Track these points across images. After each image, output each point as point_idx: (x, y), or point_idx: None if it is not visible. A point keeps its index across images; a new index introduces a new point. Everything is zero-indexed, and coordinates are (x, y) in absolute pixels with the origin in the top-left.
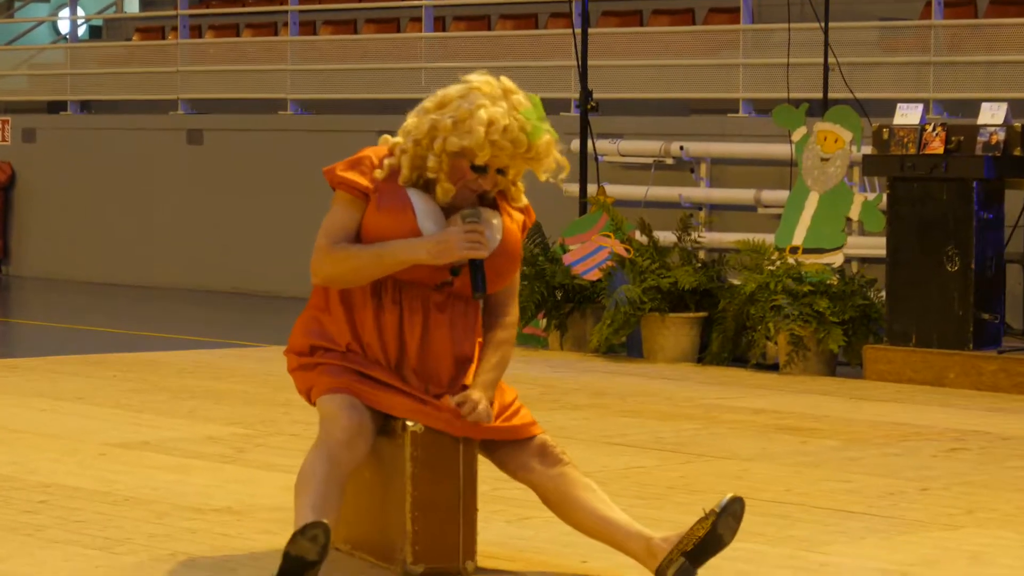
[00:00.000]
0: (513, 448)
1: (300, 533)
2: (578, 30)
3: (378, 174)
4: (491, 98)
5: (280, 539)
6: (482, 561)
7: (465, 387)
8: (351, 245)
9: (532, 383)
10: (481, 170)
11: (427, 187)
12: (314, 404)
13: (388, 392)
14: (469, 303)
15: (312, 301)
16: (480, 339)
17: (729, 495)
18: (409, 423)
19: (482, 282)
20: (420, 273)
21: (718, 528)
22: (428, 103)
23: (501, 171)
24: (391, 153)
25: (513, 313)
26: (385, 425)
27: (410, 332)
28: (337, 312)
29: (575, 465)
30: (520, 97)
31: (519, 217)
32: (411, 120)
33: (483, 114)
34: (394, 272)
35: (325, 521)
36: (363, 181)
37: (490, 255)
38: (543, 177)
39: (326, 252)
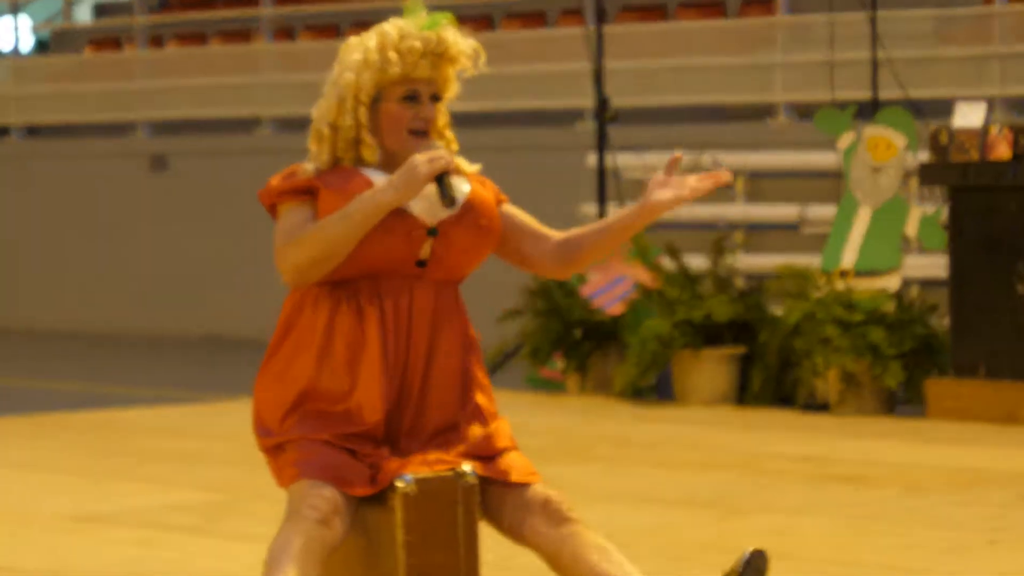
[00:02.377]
0: (514, 505)
1: None
2: (592, 28)
3: (302, 175)
4: (365, 37)
5: None
6: None
7: (477, 408)
8: (311, 224)
9: (548, 432)
10: (413, 98)
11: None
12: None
13: (369, 467)
14: (454, 293)
15: (270, 345)
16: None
17: (749, 549)
18: (399, 484)
19: (448, 190)
20: (397, 244)
21: None
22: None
23: (435, 97)
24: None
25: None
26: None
27: (394, 328)
28: (294, 342)
29: (586, 524)
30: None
31: (482, 183)
32: (316, 113)
33: (372, 42)
34: (368, 229)
35: None
36: (301, 181)
37: (462, 209)
38: (466, 66)
39: (289, 242)
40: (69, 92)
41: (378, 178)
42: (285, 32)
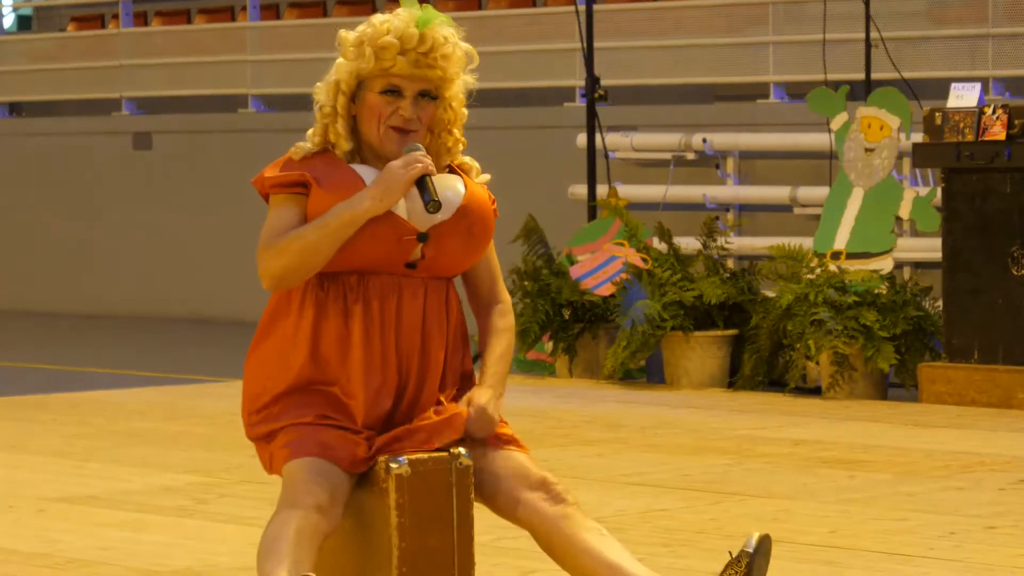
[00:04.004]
0: (509, 484)
1: None
2: (582, 7)
3: (295, 155)
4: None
5: None
6: None
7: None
8: (292, 231)
9: (538, 416)
10: (393, 92)
11: (363, 161)
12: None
13: (360, 437)
14: (444, 288)
15: (257, 331)
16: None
17: (757, 534)
18: (393, 466)
19: (431, 193)
20: (386, 248)
21: (753, 572)
22: None
23: (426, 94)
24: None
25: (506, 298)
26: (365, 470)
27: (380, 324)
28: (280, 335)
29: (580, 507)
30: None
31: (482, 188)
32: (315, 92)
33: (359, 28)
34: (347, 237)
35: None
36: (294, 174)
37: (456, 213)
38: (453, 72)
39: (267, 248)
40: (52, 70)
41: (370, 177)
42: (270, 10)
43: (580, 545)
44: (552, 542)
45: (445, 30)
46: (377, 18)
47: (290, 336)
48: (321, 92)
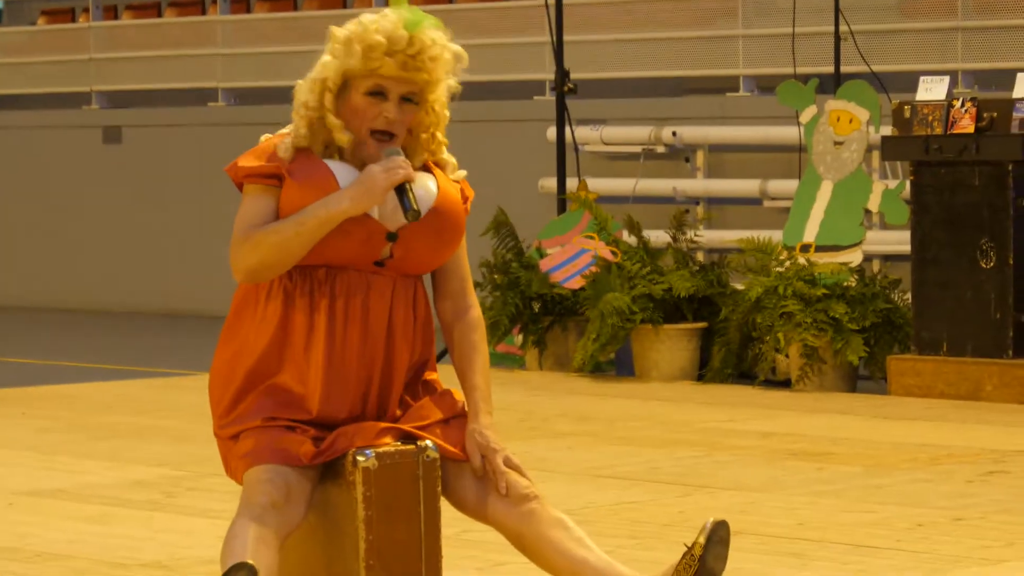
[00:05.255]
0: (472, 483)
1: None
2: (552, 0)
3: (282, 153)
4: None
5: None
6: None
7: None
8: (268, 224)
9: (507, 408)
10: (378, 94)
11: (341, 157)
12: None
13: (307, 436)
14: (412, 286)
15: (224, 326)
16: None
17: (711, 519)
18: (360, 458)
19: (411, 202)
20: (354, 247)
21: (708, 561)
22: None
23: (408, 99)
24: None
25: (475, 303)
26: (332, 463)
27: (345, 321)
28: (246, 328)
29: (544, 498)
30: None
31: (455, 186)
32: (297, 87)
33: (349, 27)
34: (322, 237)
35: (250, 562)
36: (269, 165)
37: (427, 214)
38: (440, 74)
39: (243, 241)
40: (21, 63)
41: (343, 175)
42: (240, 3)
43: (549, 543)
44: (522, 540)
45: (434, 32)
46: (367, 17)
47: (255, 326)
48: (304, 90)
